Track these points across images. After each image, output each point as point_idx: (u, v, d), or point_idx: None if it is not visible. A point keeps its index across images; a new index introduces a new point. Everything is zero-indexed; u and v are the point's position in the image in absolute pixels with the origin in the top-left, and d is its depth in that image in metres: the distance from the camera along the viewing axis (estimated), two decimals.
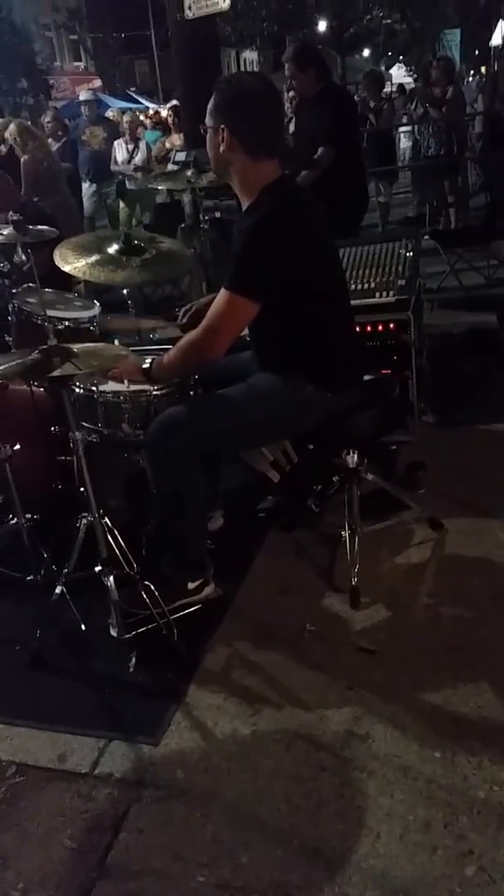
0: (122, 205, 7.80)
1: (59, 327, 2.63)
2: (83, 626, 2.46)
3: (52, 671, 2.39)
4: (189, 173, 3.54)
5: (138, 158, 7.50)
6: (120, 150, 7.58)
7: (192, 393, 2.58)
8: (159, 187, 4.38)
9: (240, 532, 2.98)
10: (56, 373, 2.05)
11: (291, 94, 6.07)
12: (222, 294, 2.25)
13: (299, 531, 3.00)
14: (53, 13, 31.77)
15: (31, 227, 2.72)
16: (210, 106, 2.31)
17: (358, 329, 3.12)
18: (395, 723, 2.08)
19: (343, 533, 2.72)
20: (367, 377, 2.67)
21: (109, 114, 10.25)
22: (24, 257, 2.82)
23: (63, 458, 2.75)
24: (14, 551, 2.72)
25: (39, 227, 2.75)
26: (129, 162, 7.53)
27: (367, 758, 1.98)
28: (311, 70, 4.63)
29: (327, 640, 2.41)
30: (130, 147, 7.52)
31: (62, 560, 2.56)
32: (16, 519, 2.63)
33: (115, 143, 7.70)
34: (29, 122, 7.32)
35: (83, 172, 8.47)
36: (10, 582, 2.68)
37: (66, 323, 2.64)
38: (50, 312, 2.65)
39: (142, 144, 7.48)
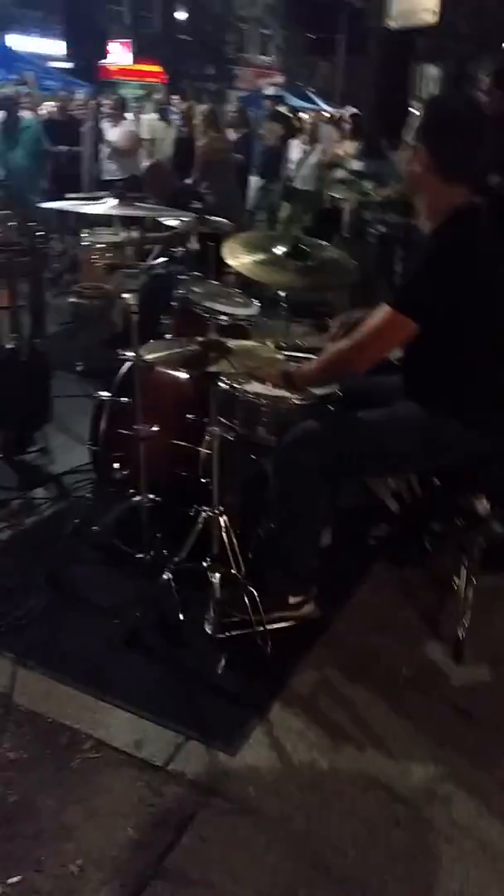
0: (284, 203, 7.84)
1: (218, 320, 2.64)
2: (181, 616, 2.46)
3: (145, 654, 2.41)
4: (370, 185, 3.48)
5: (313, 160, 7.51)
6: (296, 150, 7.62)
7: (331, 408, 2.53)
8: (334, 195, 4.33)
9: (347, 555, 2.91)
10: (212, 368, 2.05)
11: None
12: (383, 308, 2.19)
13: (409, 568, 2.90)
14: (250, 6, 32.33)
15: (208, 216, 2.73)
16: (418, 123, 2.28)
17: None
18: (482, 794, 1.97)
19: (456, 580, 2.61)
20: None
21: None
22: (197, 246, 2.86)
23: (192, 446, 2.76)
24: (130, 527, 2.76)
25: (217, 218, 2.77)
26: (303, 162, 7.55)
27: (446, 823, 1.89)
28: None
29: (423, 689, 2.32)
30: (307, 148, 7.54)
31: (172, 545, 2.59)
32: (139, 497, 2.66)
33: (292, 142, 7.74)
34: (213, 109, 7.46)
35: (255, 165, 8.58)
36: (122, 556, 2.73)
37: (225, 318, 2.64)
38: (212, 305, 2.69)
39: (318, 147, 7.49)
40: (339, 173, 7.12)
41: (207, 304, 2.61)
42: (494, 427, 2.34)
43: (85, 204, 2.53)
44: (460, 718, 2.21)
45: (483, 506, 2.50)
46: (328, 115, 13.38)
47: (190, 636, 2.45)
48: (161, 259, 3.60)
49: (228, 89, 28.89)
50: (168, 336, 2.79)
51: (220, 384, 2.50)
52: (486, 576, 2.60)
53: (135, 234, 3.04)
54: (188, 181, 6.62)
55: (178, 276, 2.87)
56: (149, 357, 2.15)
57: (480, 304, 2.20)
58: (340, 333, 2.59)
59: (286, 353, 2.71)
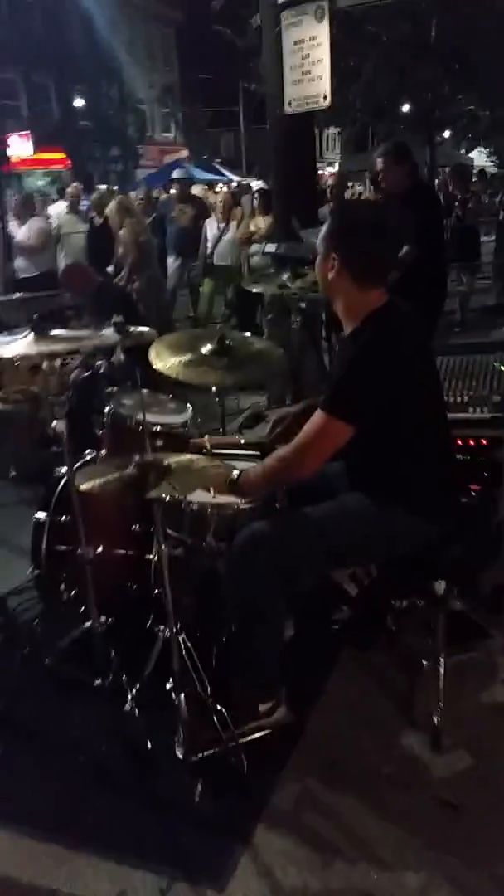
0: (206, 280, 7.96)
1: (152, 430, 2.62)
2: (149, 744, 2.36)
3: (115, 790, 2.29)
4: (285, 277, 3.56)
5: (228, 236, 7.67)
6: (211, 228, 7.77)
7: (277, 506, 2.52)
8: (253, 290, 4.41)
9: (311, 646, 2.87)
10: (152, 494, 2.02)
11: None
12: (318, 415, 2.22)
13: (376, 651, 2.86)
14: (149, 89, 33.47)
15: (130, 328, 2.73)
16: (323, 232, 2.35)
17: None
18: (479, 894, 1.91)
19: (425, 662, 2.59)
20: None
21: (195, 190, 10.56)
22: (122, 357, 2.85)
23: (140, 556, 2.70)
24: (85, 652, 2.65)
25: (140, 329, 2.77)
26: (219, 239, 7.70)
27: None
28: (406, 166, 4.76)
29: (405, 785, 2.27)
30: (221, 226, 7.71)
31: (131, 665, 2.50)
32: (90, 621, 2.57)
33: (206, 221, 7.89)
34: (125, 198, 7.61)
35: (170, 247, 8.71)
36: (78, 683, 2.61)
37: (158, 428, 2.62)
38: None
39: (232, 224, 7.66)
40: (255, 256, 7.30)
41: (139, 416, 2.59)
42: (440, 512, 2.36)
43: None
44: (446, 813, 2.15)
45: (441, 587, 2.51)
46: (236, 186, 13.82)
47: (162, 763, 2.33)
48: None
49: (135, 168, 29.64)
50: (102, 452, 2.75)
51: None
52: (450, 652, 2.60)
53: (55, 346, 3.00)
54: (117, 277, 6.70)
55: (106, 392, 2.84)
56: (84, 486, 2.10)
57: (410, 395, 2.24)
58: (278, 430, 2.60)
59: (224, 451, 2.70)
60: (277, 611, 2.36)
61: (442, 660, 2.53)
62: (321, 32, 4.99)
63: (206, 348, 3.00)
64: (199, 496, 2.43)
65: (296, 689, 2.55)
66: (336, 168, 21.33)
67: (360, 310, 2.28)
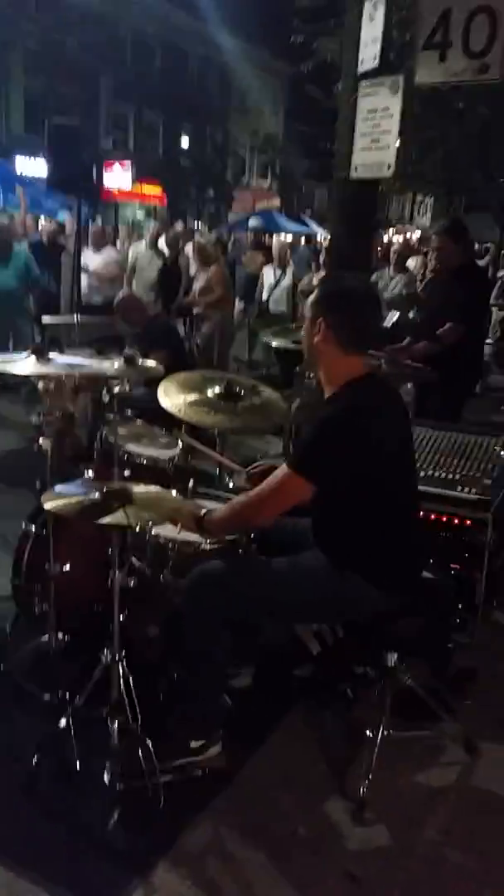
0: (259, 326, 8.17)
1: (137, 462, 2.73)
2: (78, 764, 2.41)
3: (39, 803, 2.35)
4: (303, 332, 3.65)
5: (284, 283, 7.88)
6: (268, 275, 8.01)
7: (241, 551, 2.58)
8: (273, 343, 4.53)
9: (264, 696, 2.88)
10: (105, 520, 2.11)
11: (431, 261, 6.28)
12: (282, 468, 2.29)
13: (326, 714, 2.86)
14: (252, 136, 34.59)
15: (139, 361, 2.86)
16: (313, 298, 2.43)
17: (433, 517, 3.06)
18: None
19: (368, 733, 2.58)
20: (427, 574, 2.58)
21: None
22: (126, 388, 2.98)
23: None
24: (43, 666, 2.74)
25: (148, 362, 2.90)
26: (275, 287, 7.92)
27: None
28: (461, 244, 4.85)
29: (316, 851, 2.25)
30: (278, 273, 7.93)
31: (81, 685, 2.57)
32: (47, 636, 2.66)
33: (265, 267, 8.14)
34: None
35: (237, 291, 8.97)
36: (30, 696, 2.69)
37: (143, 460, 2.73)
38: (132, 447, 2.77)
39: (289, 271, 7.87)
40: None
41: (129, 446, 2.70)
42: (395, 584, 2.38)
43: (4, 361, 2.65)
44: (345, 885, 2.13)
45: (392, 658, 2.52)
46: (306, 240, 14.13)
47: (88, 786, 2.38)
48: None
49: (227, 210, 30.53)
50: (89, 476, 2.86)
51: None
52: (398, 726, 2.58)
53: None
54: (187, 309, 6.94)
55: (102, 420, 2.97)
56: (48, 505, 2.21)
57: (376, 466, 2.28)
58: (257, 475, 2.67)
59: (203, 490, 2.78)
60: (218, 650, 2.41)
61: (382, 732, 2.52)
62: (394, 104, 5.14)
63: (212, 391, 3.12)
64: (164, 530, 2.52)
65: (237, 735, 2.58)
66: (418, 234, 21.46)
67: (340, 376, 2.35)
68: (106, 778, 2.35)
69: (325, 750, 2.69)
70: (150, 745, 2.31)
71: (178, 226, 12.64)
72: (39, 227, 10.02)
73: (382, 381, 2.41)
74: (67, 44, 25.22)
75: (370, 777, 2.43)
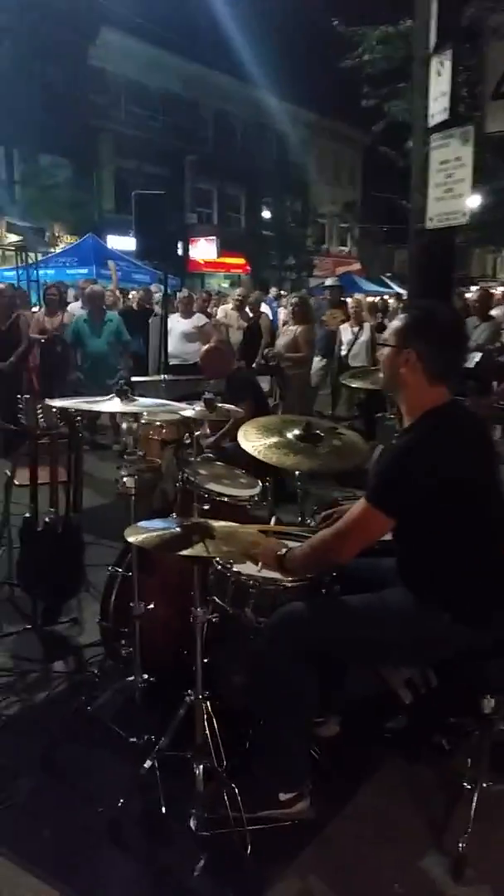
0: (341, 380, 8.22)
1: (217, 500, 2.74)
2: (164, 809, 2.37)
3: (123, 848, 2.31)
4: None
5: (362, 339, 7.95)
6: (346, 332, 8.11)
7: (324, 590, 2.52)
8: (353, 384, 4.52)
9: (354, 748, 2.76)
10: (185, 552, 2.12)
11: None
12: (360, 503, 2.23)
13: (420, 767, 2.71)
14: (331, 204, 35.52)
15: (220, 405, 2.92)
16: (399, 326, 2.37)
17: None
18: None
19: (466, 785, 2.43)
20: None
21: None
22: (207, 431, 3.03)
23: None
24: (128, 709, 2.73)
25: (227, 406, 2.95)
26: (353, 343, 7.99)
27: None
28: None
29: None
30: (355, 329, 8.02)
31: (166, 728, 2.54)
32: (133, 677, 2.66)
33: (342, 326, 8.25)
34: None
35: (318, 348, 9.09)
36: (115, 739, 2.68)
37: (225, 499, 2.74)
38: (213, 486, 2.80)
39: (366, 326, 7.94)
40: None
41: (209, 486, 2.72)
42: (485, 619, 2.26)
43: (92, 401, 2.75)
44: None
45: (489, 704, 2.38)
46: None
47: (174, 829, 2.33)
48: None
49: (308, 277, 31.14)
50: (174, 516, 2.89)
51: (215, 563, 2.55)
52: (500, 779, 2.42)
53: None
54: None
55: (186, 461, 3.01)
56: (131, 538, 2.24)
57: (458, 496, 2.20)
58: (327, 522, 2.62)
59: (281, 529, 2.76)
60: (306, 696, 2.33)
61: (481, 784, 2.37)
62: (465, 154, 5.19)
63: (292, 433, 3.13)
64: (245, 568, 2.50)
65: (327, 788, 2.48)
66: (502, 290, 21.28)
67: (422, 405, 2.29)
68: (192, 824, 2.29)
69: (420, 804, 2.54)
70: (237, 791, 2.24)
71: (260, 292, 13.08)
72: (130, 297, 10.52)
73: (465, 408, 2.34)
74: (153, 127, 26.92)
75: (469, 832, 2.27)
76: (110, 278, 11.66)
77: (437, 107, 5.25)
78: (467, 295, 9.74)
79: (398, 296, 20.36)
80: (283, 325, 8.10)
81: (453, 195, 5.35)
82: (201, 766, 2.32)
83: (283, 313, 9.56)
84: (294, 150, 32.57)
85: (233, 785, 2.27)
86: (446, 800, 2.53)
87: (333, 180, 37.04)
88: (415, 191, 5.89)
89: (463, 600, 2.25)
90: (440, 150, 5.38)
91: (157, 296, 9.75)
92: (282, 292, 15.94)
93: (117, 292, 10.62)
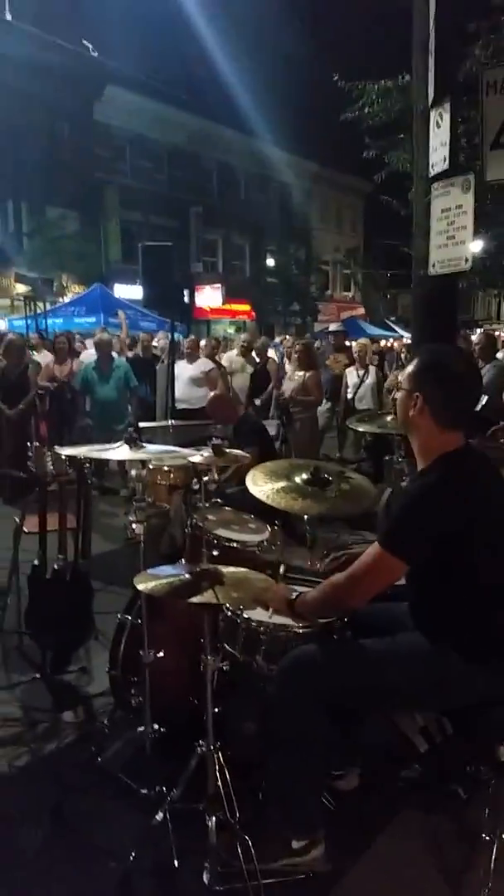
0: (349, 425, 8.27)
1: (227, 546, 2.75)
2: (176, 863, 2.32)
3: None
4: (389, 418, 3.67)
5: (368, 382, 8.02)
6: (351, 376, 8.19)
7: (335, 636, 2.51)
8: (360, 429, 4.56)
9: (372, 798, 2.71)
10: (195, 599, 2.11)
11: None
12: (374, 547, 2.23)
13: (437, 817, 2.66)
14: (334, 252, 36.14)
15: (228, 450, 2.94)
16: (411, 370, 2.40)
17: None
18: None
19: (485, 836, 2.37)
20: None
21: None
22: (216, 476, 3.05)
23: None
24: (138, 759, 2.70)
25: (236, 451, 2.97)
26: (359, 386, 8.06)
27: None
28: None
29: None
30: (361, 373, 8.10)
31: (178, 779, 2.50)
32: (144, 727, 2.63)
33: (347, 370, 8.34)
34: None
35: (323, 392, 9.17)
36: (125, 790, 2.64)
37: (234, 544, 2.75)
38: (222, 532, 2.80)
39: (371, 370, 8.04)
40: (396, 397, 7.53)
41: (218, 531, 2.73)
42: (499, 665, 2.24)
43: (101, 449, 2.78)
44: None
45: None
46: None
47: (187, 884, 2.28)
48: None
49: (313, 322, 31.50)
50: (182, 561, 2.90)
51: (224, 610, 2.54)
52: None
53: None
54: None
55: (194, 505, 3.02)
56: (140, 585, 2.24)
57: (472, 541, 2.19)
58: (336, 564, 2.62)
59: (292, 575, 2.75)
60: (319, 742, 2.30)
61: (500, 835, 2.31)
62: (466, 202, 5.30)
63: (300, 477, 3.14)
64: (256, 614, 2.49)
65: (343, 838, 2.43)
66: None
67: (435, 450, 2.29)
68: (205, 878, 2.25)
69: (438, 855, 2.49)
70: (250, 843, 2.20)
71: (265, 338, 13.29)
72: (137, 345, 10.67)
73: (477, 452, 2.34)
74: (158, 179, 27.57)
75: (490, 886, 2.21)
76: (119, 326, 11.85)
77: (437, 157, 5.39)
78: (473, 338, 9.83)
79: (400, 339, 20.62)
80: (289, 369, 8.18)
81: (455, 242, 5.44)
82: (214, 818, 2.28)
83: (275, 354, 9.65)
84: (297, 200, 33.28)
85: (246, 837, 2.23)
86: (464, 851, 2.47)
87: (336, 228, 37.76)
88: (417, 238, 6.01)
89: (479, 644, 2.23)
90: (441, 198, 5.51)
91: (163, 342, 9.87)
92: (286, 337, 16.09)
93: (127, 340, 10.75)
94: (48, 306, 16.22)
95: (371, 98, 10.81)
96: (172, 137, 28.24)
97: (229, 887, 2.21)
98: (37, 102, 21.84)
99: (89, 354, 9.12)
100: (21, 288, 16.98)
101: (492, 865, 2.24)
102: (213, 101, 26.81)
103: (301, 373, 7.53)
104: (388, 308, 35.89)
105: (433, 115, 5.35)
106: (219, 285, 26.70)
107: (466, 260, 5.43)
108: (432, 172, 5.48)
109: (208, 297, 26.44)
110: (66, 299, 19.05)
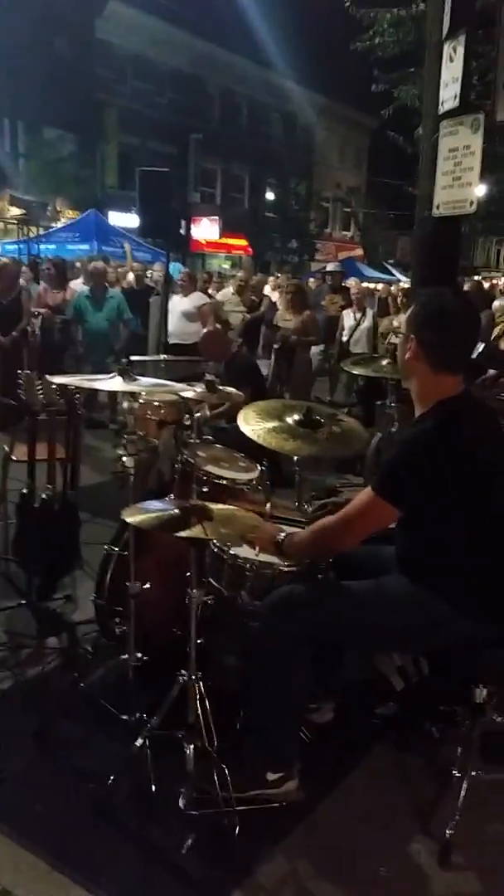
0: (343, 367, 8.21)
1: (217, 483, 2.74)
2: (153, 787, 2.38)
3: (112, 824, 2.32)
4: (384, 363, 3.63)
5: (364, 325, 7.93)
6: (347, 318, 8.09)
7: (319, 576, 2.53)
8: (353, 371, 4.51)
9: (345, 733, 2.78)
10: (183, 533, 2.11)
11: None
12: (366, 491, 2.23)
13: (409, 754, 2.73)
14: (335, 188, 35.30)
15: (221, 387, 2.91)
16: (410, 312, 2.37)
17: None
18: None
19: (455, 773, 2.44)
20: None
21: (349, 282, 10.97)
22: (207, 413, 3.02)
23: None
24: (121, 686, 2.74)
25: (229, 389, 2.94)
26: (354, 329, 7.97)
27: None
28: None
29: (399, 893, 2.13)
30: (358, 315, 8.00)
31: (159, 707, 2.55)
32: (127, 655, 2.66)
33: (344, 311, 8.23)
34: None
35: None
36: (107, 716, 2.69)
37: (224, 482, 2.74)
38: (212, 469, 2.79)
39: (369, 313, 7.94)
40: (392, 342, 7.46)
41: (208, 468, 2.72)
42: (485, 612, 2.27)
43: (93, 380, 2.74)
44: None
45: (480, 694, 2.39)
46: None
47: (162, 809, 2.35)
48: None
49: (310, 261, 30.99)
50: (171, 497, 2.89)
51: (211, 546, 2.55)
52: (488, 769, 2.44)
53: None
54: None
55: (185, 442, 3.00)
56: (129, 518, 2.23)
57: (466, 488, 2.18)
58: (328, 509, 2.62)
59: (280, 516, 2.75)
60: (300, 677, 2.34)
61: (470, 773, 2.38)
62: (475, 143, 5.14)
63: (292, 418, 3.11)
64: (243, 551, 2.50)
65: (317, 771, 2.50)
66: None
67: (431, 395, 2.27)
68: (181, 803, 2.31)
69: (409, 790, 2.57)
70: (226, 772, 2.26)
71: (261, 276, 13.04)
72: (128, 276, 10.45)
73: (477, 399, 2.32)
74: (158, 103, 26.61)
75: (457, 819, 2.29)
76: (116, 256, 11.64)
77: (448, 93, 5.20)
78: (465, 286, 9.72)
79: (388, 284, 20.35)
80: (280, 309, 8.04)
81: (461, 183, 5.30)
82: (192, 746, 2.33)
83: (276, 296, 9.46)
84: (300, 132, 32.29)
85: (223, 765, 2.28)
86: (435, 787, 2.55)
87: (339, 163, 36.78)
88: (422, 178, 5.85)
89: (464, 591, 2.25)
90: (449, 137, 5.34)
91: (157, 275, 9.67)
92: (277, 275, 15.78)
93: (128, 273, 10.49)
94: (41, 231, 15.82)
95: (383, 27, 10.35)
96: (176, 59, 27.18)
97: (204, 813, 2.27)
98: (36, 16, 20.82)
99: (77, 283, 8.94)
100: (15, 210, 16.53)
101: (460, 802, 2.31)
102: (220, 24, 25.68)
103: (291, 314, 7.41)
104: (388, 250, 35.31)
105: (447, 48, 5.14)
106: (216, 217, 26.11)
107: (472, 203, 5.30)
108: (442, 110, 5.30)
109: (205, 229, 25.85)
110: (60, 224, 18.59)
